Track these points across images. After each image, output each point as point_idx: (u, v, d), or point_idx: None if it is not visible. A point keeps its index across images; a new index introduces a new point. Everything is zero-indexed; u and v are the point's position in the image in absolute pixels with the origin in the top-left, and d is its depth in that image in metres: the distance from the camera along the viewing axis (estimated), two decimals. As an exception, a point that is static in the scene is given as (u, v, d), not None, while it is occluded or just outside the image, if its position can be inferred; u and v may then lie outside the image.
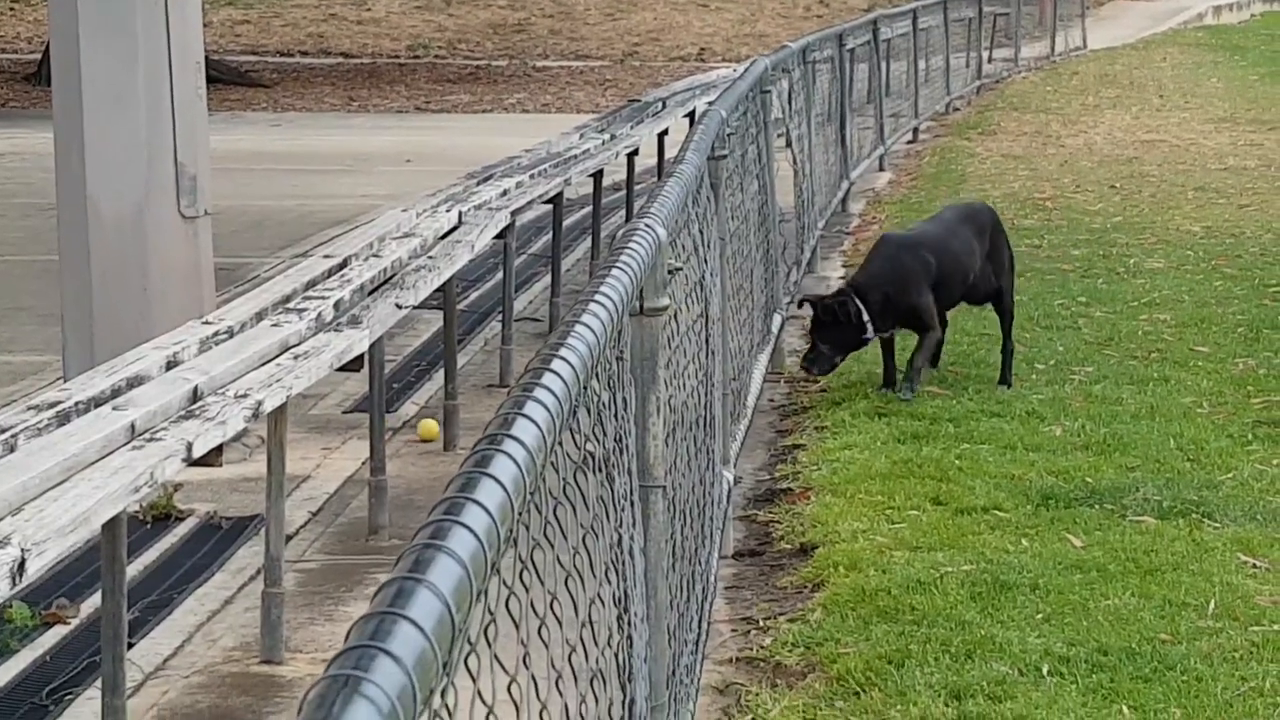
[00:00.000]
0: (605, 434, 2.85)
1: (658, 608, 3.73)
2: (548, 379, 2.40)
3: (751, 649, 5.60)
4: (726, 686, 5.34)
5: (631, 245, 3.49)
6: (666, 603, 3.90)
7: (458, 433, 8.07)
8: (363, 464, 7.62)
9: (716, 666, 5.49)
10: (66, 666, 5.63)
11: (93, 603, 6.10)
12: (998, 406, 8.13)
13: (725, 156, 6.69)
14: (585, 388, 2.54)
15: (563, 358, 2.53)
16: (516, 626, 2.00)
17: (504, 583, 1.96)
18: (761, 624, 5.79)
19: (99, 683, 5.38)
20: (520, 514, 1.99)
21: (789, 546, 6.58)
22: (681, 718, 4.39)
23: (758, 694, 5.18)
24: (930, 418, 7.92)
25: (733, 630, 5.82)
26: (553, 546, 2.21)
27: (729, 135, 6.92)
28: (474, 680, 1.81)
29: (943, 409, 8.08)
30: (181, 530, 6.96)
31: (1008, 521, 6.53)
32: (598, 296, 2.97)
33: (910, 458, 7.32)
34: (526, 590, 2.06)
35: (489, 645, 1.89)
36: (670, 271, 3.82)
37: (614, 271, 3.22)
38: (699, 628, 4.88)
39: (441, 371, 8.73)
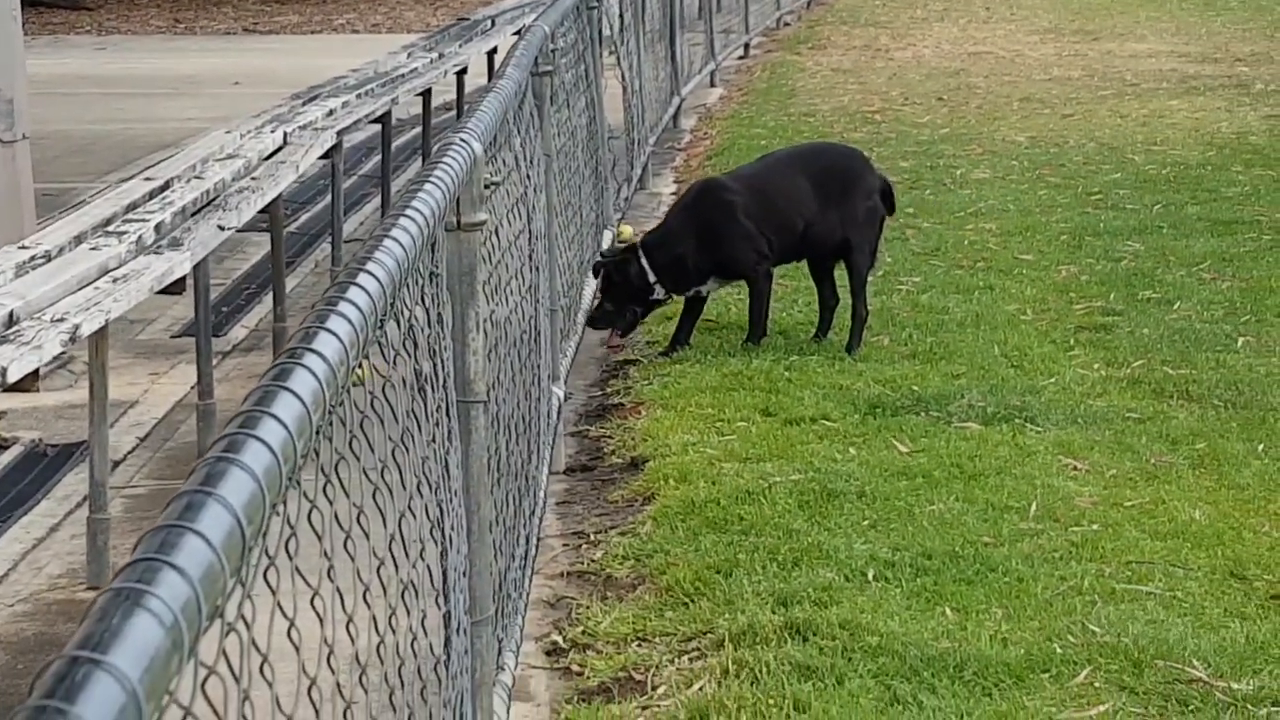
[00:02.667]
0: (417, 348, 2.84)
1: (481, 522, 3.73)
2: (352, 293, 2.39)
3: (582, 563, 5.63)
4: (558, 600, 5.37)
5: (446, 160, 3.47)
6: (492, 517, 3.91)
7: (287, 355, 8.01)
8: (191, 389, 7.55)
9: (548, 581, 5.51)
10: (-112, 598, 5.54)
11: (-85, 533, 6.00)
12: (826, 318, 8.19)
13: (551, 73, 6.66)
14: (394, 302, 2.53)
15: (369, 271, 2.52)
16: (319, 539, 1.99)
17: (306, 496, 1.96)
18: (592, 538, 5.82)
19: (-78, 613, 5.31)
20: (320, 428, 1.98)
21: (620, 461, 6.61)
22: (510, 631, 4.41)
23: (588, 607, 5.21)
24: (760, 329, 7.96)
25: (564, 545, 5.85)
26: (359, 459, 2.20)
27: (554, 51, 6.89)
28: (273, 592, 1.81)
29: (772, 321, 8.13)
30: (6, 458, 6.86)
31: (836, 431, 6.60)
32: (408, 210, 2.95)
33: (740, 370, 7.36)
34: (330, 503, 2.05)
35: (290, 558, 1.88)
36: (487, 186, 3.80)
37: (426, 186, 3.20)
38: (527, 543, 4.90)
39: (269, 295, 8.65)
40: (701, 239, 7.76)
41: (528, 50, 6.00)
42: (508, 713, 4.11)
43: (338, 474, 2.12)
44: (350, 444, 2.21)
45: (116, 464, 6.59)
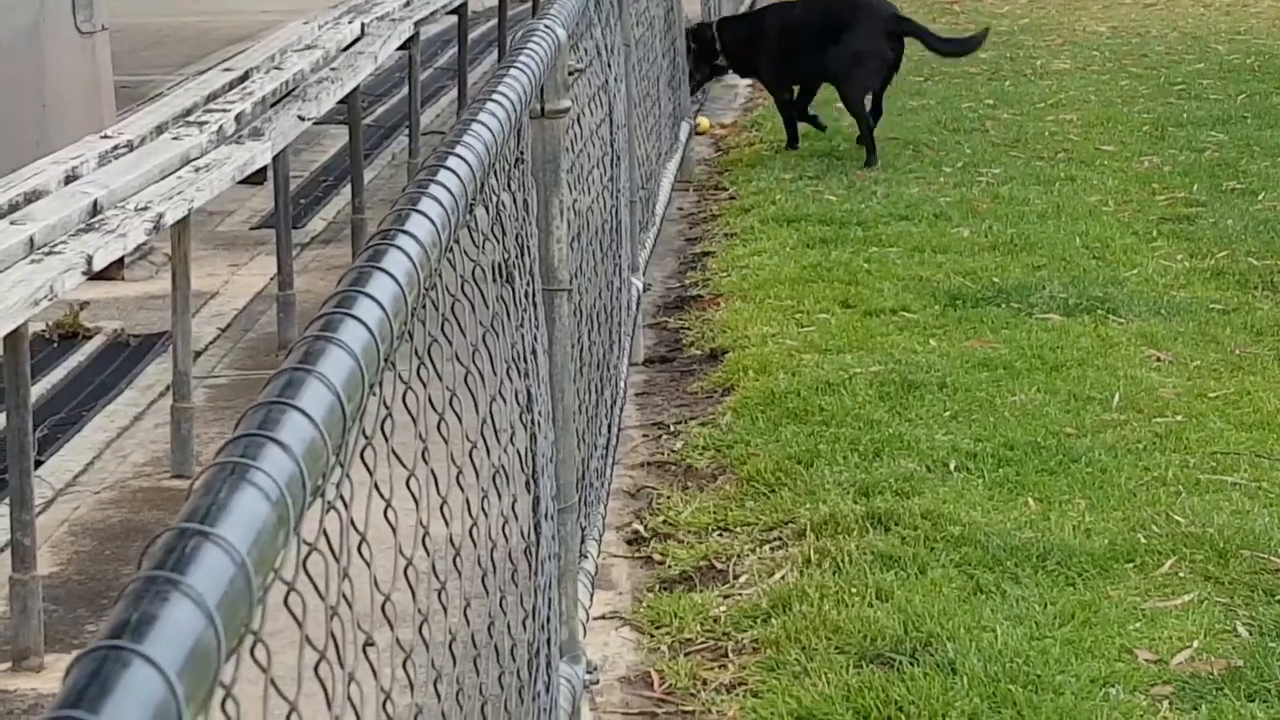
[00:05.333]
0: (505, 234, 2.83)
1: (565, 410, 3.74)
2: (442, 175, 2.38)
3: (662, 453, 5.64)
4: (638, 490, 5.38)
5: (530, 45, 3.45)
6: (575, 407, 3.91)
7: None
8: (271, 279, 7.57)
9: (628, 471, 5.52)
10: (-25, 485, 5.60)
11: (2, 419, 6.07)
12: (905, 210, 8.15)
13: (629, -39, 6.61)
14: (482, 186, 2.52)
15: (459, 155, 2.50)
16: (414, 421, 2.00)
17: (400, 378, 1.96)
18: (672, 429, 5.83)
19: (7, 499, 5.37)
20: (414, 308, 1.97)
21: (699, 352, 6.60)
22: (592, 520, 4.42)
23: (669, 496, 5.22)
24: (839, 222, 7.93)
25: (644, 435, 5.85)
26: (450, 343, 2.20)
27: (632, -61, 6.83)
28: (371, 473, 1.81)
29: (851, 213, 8.09)
30: (89, 348, 6.91)
31: (916, 322, 6.57)
32: (495, 96, 2.94)
33: (819, 262, 7.33)
34: (424, 386, 2.05)
35: (386, 440, 1.88)
36: (571, 73, 3.78)
37: (512, 71, 3.18)
38: (609, 432, 4.90)
39: (347, 186, 8.66)
40: (751, 39, 9.31)
41: (607, -62, 5.95)
42: (591, 599, 4.13)
43: (431, 358, 2.12)
44: (443, 327, 2.21)
45: (198, 354, 6.63)
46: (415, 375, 2.04)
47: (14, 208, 4.76)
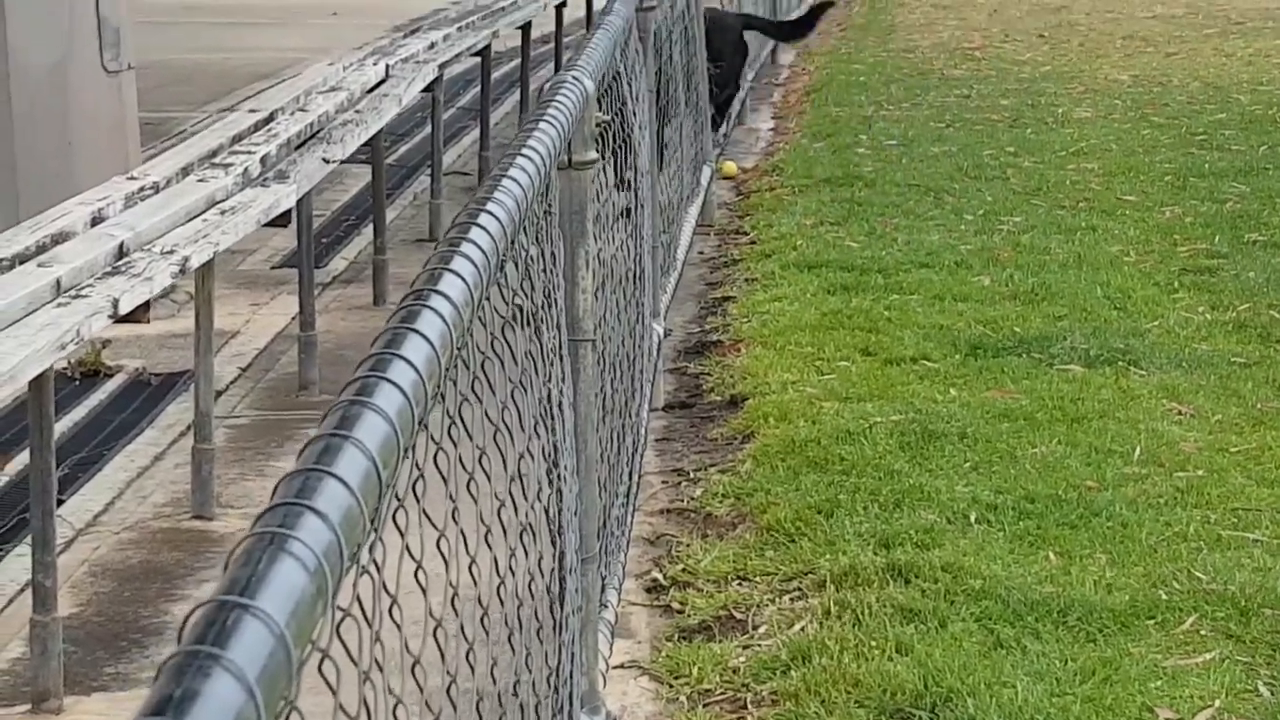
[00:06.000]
0: (534, 289, 2.84)
1: (588, 460, 3.74)
2: (474, 234, 2.39)
3: (682, 500, 5.64)
4: (658, 537, 5.38)
5: (559, 98, 3.46)
6: (597, 455, 3.92)
7: (387, 288, 8.05)
8: (292, 319, 7.59)
9: (647, 518, 5.52)
10: (-4, 523, 5.61)
11: (21, 460, 6.08)
12: (926, 257, 8.15)
13: (654, 8, 6.64)
14: (513, 242, 2.53)
15: (489, 212, 2.52)
16: (445, 482, 2.00)
17: (432, 438, 1.96)
18: (692, 475, 5.83)
19: (29, 539, 5.37)
20: (447, 370, 1.98)
21: (719, 398, 6.60)
22: (613, 569, 4.43)
23: (688, 544, 5.22)
24: (860, 269, 7.94)
25: (663, 482, 5.85)
26: (481, 401, 2.21)
27: (658, -15, 6.86)
28: (402, 536, 1.82)
29: (872, 260, 8.10)
30: (110, 386, 6.93)
31: (936, 371, 6.57)
32: (525, 150, 2.95)
33: (840, 309, 7.34)
34: (455, 445, 2.06)
35: (417, 501, 1.89)
36: (598, 125, 3.79)
37: (541, 124, 3.20)
38: (630, 480, 4.91)
39: (369, 226, 8.69)
40: None
41: (633, -15, 5.97)
42: (610, 649, 4.13)
43: (461, 416, 2.13)
44: (473, 385, 2.22)
45: (219, 394, 6.64)
46: (446, 434, 2.04)
47: (41, 249, 4.78)
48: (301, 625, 1.31)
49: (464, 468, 2.10)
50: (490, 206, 2.54)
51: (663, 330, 6.66)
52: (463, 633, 1.98)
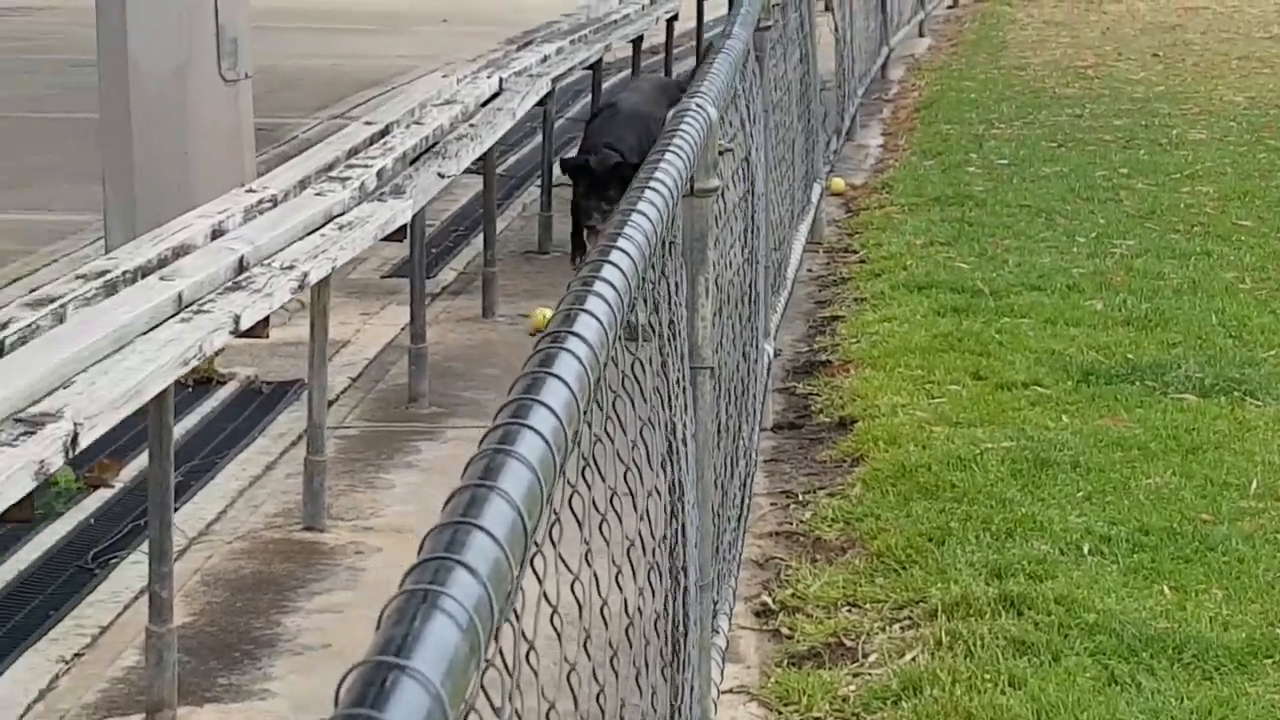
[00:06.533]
0: (660, 321, 2.84)
1: (704, 489, 3.74)
2: (606, 271, 2.39)
3: (790, 523, 5.63)
4: (766, 560, 5.37)
5: (684, 127, 3.46)
6: (712, 481, 3.91)
7: (495, 300, 8.08)
8: (401, 330, 7.63)
9: (756, 540, 5.51)
10: (110, 530, 5.67)
11: (135, 466, 6.14)
12: (1038, 280, 8.10)
13: (770, 27, 6.63)
14: (644, 279, 2.53)
15: (621, 249, 2.52)
16: (580, 525, 2.00)
17: (568, 482, 1.97)
18: (801, 498, 5.81)
19: (143, 547, 5.43)
20: (585, 412, 1.98)
21: (828, 420, 6.58)
22: (724, 594, 4.42)
23: (797, 568, 5.21)
24: (970, 291, 7.90)
25: (772, 504, 5.84)
26: (612, 441, 2.21)
27: (775, 5, 6.85)
28: (540, 582, 1.82)
29: (983, 281, 8.05)
30: (223, 394, 6.99)
31: (1048, 398, 6.52)
32: (652, 183, 2.95)
33: (950, 331, 7.30)
34: (589, 488, 2.06)
35: (553, 545, 1.89)
36: (721, 152, 3.79)
37: (667, 155, 3.20)
38: (742, 504, 4.90)
39: (478, 237, 8.72)
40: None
41: (751, 6, 5.97)
42: (721, 675, 4.13)
43: (594, 457, 2.13)
44: (606, 426, 2.22)
45: (330, 404, 6.69)
46: (580, 477, 2.05)
47: (163, 262, 4.83)
48: (456, 684, 1.32)
49: (597, 509, 2.11)
50: (621, 243, 2.54)
51: (773, 350, 6.65)
52: (595, 677, 1.98)
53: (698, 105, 3.72)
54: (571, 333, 2.10)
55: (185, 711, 4.47)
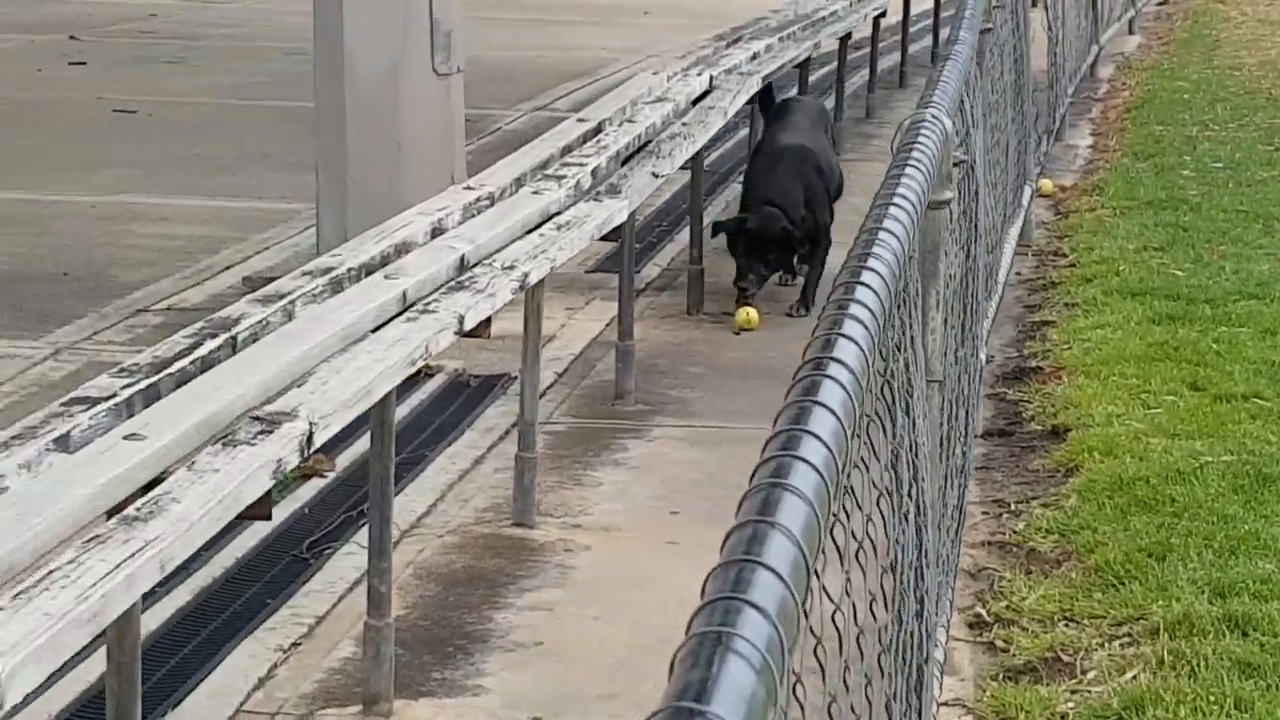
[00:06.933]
0: (904, 339, 2.81)
1: (930, 504, 3.70)
2: (860, 293, 2.37)
3: (1004, 533, 5.56)
4: (979, 571, 5.31)
5: (921, 140, 3.42)
6: (937, 495, 3.87)
7: (702, 298, 8.07)
8: (607, 325, 7.66)
9: (968, 550, 5.45)
10: (324, 520, 5.75)
11: (347, 456, 6.21)
12: (1256, 288, 7.94)
13: (990, 30, 6.55)
14: (894, 295, 2.51)
15: (871, 268, 2.49)
16: (840, 555, 1.98)
17: (831, 510, 1.94)
18: (1013, 508, 5.74)
19: (357, 538, 5.49)
20: (850, 440, 1.96)
21: (1040, 428, 6.50)
22: (941, 606, 4.37)
23: (1011, 580, 5.14)
24: (1186, 298, 7.76)
25: (984, 513, 5.78)
26: (868, 469, 2.19)
27: (995, 8, 6.77)
28: (805, 615, 1.80)
29: (1198, 289, 7.91)
30: (431, 387, 7.05)
31: (1269, 410, 6.38)
32: (896, 199, 2.92)
33: (1165, 340, 7.17)
34: (848, 516, 2.04)
35: (817, 577, 1.87)
36: (956, 164, 3.75)
37: (908, 169, 3.16)
38: (958, 514, 4.85)
39: (682, 233, 8.73)
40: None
41: (975, 10, 5.91)
42: (940, 690, 4.08)
43: (850, 484, 2.11)
44: (860, 451, 2.20)
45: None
46: (841, 506, 2.03)
47: (386, 260, 4.87)
48: (754, 731, 1.30)
49: (854, 537, 2.08)
50: (871, 262, 2.52)
51: (984, 356, 6.58)
52: (852, 709, 1.96)
53: (933, 116, 3.68)
54: (833, 359, 2.08)
55: (400, 704, 4.52)
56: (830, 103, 11.91)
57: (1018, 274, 8.58)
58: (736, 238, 7.80)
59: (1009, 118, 8.06)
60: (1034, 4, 10.67)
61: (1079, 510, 5.54)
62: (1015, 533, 5.52)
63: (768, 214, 7.76)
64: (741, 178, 9.60)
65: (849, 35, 10.89)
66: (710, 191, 10.22)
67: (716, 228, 7.96)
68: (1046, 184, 10.08)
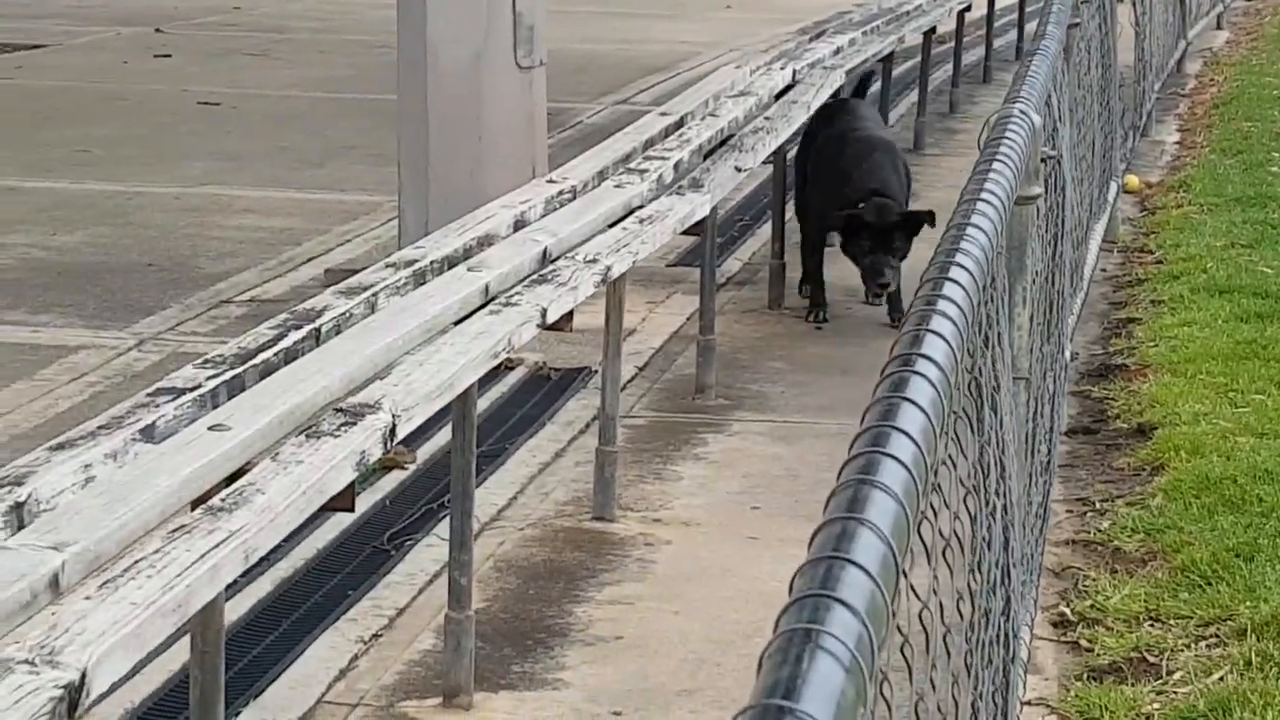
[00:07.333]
0: (991, 335, 2.78)
1: (1014, 502, 3.67)
2: (949, 289, 2.34)
3: (1088, 531, 5.51)
4: (1063, 570, 5.27)
5: (1009, 134, 3.39)
6: (1023, 493, 3.84)
7: (783, 293, 8.05)
8: (688, 319, 7.64)
9: (1052, 548, 5.41)
10: (404, 512, 5.76)
11: (428, 448, 6.23)
12: (1346, 286, 7.85)
13: (1078, 24, 6.50)
14: (988, 297, 2.48)
15: (960, 264, 2.47)
16: (927, 553, 1.97)
17: (919, 508, 1.93)
18: (1098, 506, 5.69)
19: (438, 530, 5.51)
20: (940, 437, 1.94)
21: (1125, 426, 6.44)
22: (1025, 604, 4.34)
23: (1096, 579, 5.10)
24: (1275, 296, 7.67)
25: (1068, 511, 5.73)
26: (955, 467, 2.17)
27: (1084, 3, 6.72)
28: (892, 615, 1.78)
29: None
30: (511, 379, 7.05)
31: (1360, 411, 6.31)
32: (984, 194, 2.90)
33: (1254, 338, 7.10)
34: (935, 514, 2.02)
35: (904, 576, 1.85)
36: (1044, 159, 3.72)
37: (995, 164, 3.14)
38: (1043, 512, 4.81)
39: (763, 227, 8.70)
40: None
41: (1064, 4, 5.86)
42: (1024, 689, 4.05)
43: (938, 481, 2.09)
44: (947, 447, 2.17)
45: (618, 393, 6.71)
46: (929, 505, 2.01)
47: (469, 252, 4.88)
48: (844, 729, 1.29)
49: (941, 535, 2.06)
50: (960, 258, 2.50)
51: (1069, 353, 6.52)
52: (939, 710, 1.94)
53: (1020, 111, 3.64)
54: (922, 355, 2.06)
55: (481, 697, 4.52)
56: (914, 97, 11.86)
57: (1103, 270, 8.52)
58: (858, 232, 7.45)
59: (1095, 113, 7.99)
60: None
61: (1165, 509, 5.48)
62: (1100, 531, 5.47)
63: (881, 204, 7.45)
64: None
65: (933, 29, 10.83)
66: (790, 187, 10.19)
67: (836, 222, 7.57)
68: (1133, 180, 9.99)
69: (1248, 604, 4.75)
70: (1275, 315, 7.40)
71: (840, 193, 7.61)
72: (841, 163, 7.78)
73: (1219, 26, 16.01)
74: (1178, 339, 7.17)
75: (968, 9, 11.72)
